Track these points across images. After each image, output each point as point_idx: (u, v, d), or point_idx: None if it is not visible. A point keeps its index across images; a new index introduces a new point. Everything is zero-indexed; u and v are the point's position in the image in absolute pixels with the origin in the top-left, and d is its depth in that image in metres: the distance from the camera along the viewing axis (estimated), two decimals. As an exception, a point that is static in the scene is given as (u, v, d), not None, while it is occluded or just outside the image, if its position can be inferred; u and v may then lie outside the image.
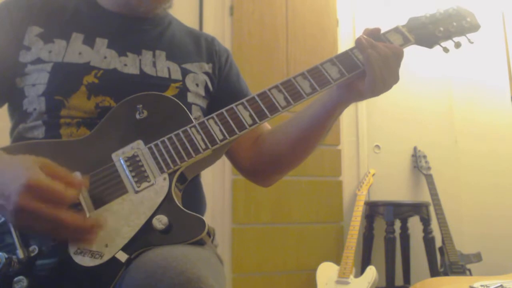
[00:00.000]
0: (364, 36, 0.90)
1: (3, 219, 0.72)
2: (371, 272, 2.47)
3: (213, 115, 0.84)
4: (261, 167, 1.06)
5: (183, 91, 0.97)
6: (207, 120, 0.83)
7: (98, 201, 0.75)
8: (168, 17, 1.09)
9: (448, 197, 3.00)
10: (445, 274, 2.62)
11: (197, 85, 1.00)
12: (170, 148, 0.80)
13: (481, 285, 1.40)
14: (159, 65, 0.97)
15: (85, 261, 0.69)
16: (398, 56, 0.89)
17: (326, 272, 2.57)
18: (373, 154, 3.09)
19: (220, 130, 0.82)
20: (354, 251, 2.56)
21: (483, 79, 3.37)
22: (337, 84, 0.89)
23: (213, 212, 2.53)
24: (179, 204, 0.76)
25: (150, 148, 0.80)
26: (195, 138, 0.81)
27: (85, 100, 0.88)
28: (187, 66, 1.01)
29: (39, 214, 0.65)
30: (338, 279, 2.50)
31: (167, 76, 0.97)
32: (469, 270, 2.67)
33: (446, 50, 0.98)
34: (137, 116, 0.84)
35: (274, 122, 1.08)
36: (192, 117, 0.85)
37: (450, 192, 3.10)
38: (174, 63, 0.99)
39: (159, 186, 0.76)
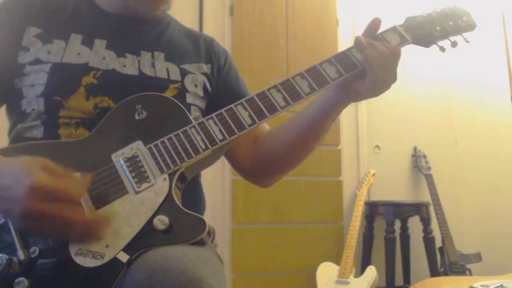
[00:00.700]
0: (362, 37, 0.90)
1: (3, 220, 0.72)
2: (371, 272, 2.47)
3: (213, 115, 0.84)
4: (260, 167, 1.06)
5: (182, 92, 0.97)
6: (207, 120, 0.83)
7: (99, 202, 0.75)
8: (167, 18, 1.09)
9: (448, 197, 3.00)
10: (445, 274, 2.62)
11: (195, 86, 1.00)
12: (170, 148, 0.80)
13: (481, 285, 1.40)
14: (158, 66, 0.97)
15: (86, 262, 0.69)
16: (396, 56, 0.89)
17: (326, 272, 2.57)
18: (373, 154, 3.09)
19: (220, 130, 0.82)
20: (354, 251, 2.56)
21: (483, 79, 3.37)
22: (335, 84, 0.89)
23: (213, 212, 2.53)
24: (179, 205, 0.76)
25: (150, 149, 0.80)
26: (195, 138, 0.81)
27: (84, 100, 0.88)
28: (186, 66, 1.01)
29: (47, 214, 0.65)
30: (338, 279, 2.50)
31: (166, 77, 0.97)
32: (469, 270, 2.67)
33: (442, 49, 0.98)
34: (136, 117, 0.84)
35: (273, 123, 1.09)
36: (191, 117, 0.85)
37: (450, 192, 3.10)
38: (173, 64, 0.99)
39: (159, 186, 0.76)
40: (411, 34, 0.96)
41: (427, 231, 2.80)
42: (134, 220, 0.73)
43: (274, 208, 2.72)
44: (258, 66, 2.76)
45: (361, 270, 2.61)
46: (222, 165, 2.62)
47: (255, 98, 0.86)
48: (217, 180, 2.62)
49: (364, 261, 2.76)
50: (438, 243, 2.78)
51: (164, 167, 0.78)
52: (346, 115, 3.02)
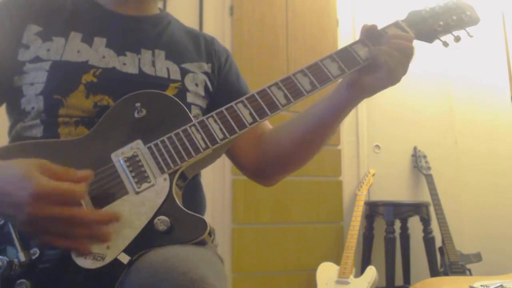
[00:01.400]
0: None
1: (2, 221, 0.72)
2: (371, 272, 2.47)
3: (213, 113, 0.83)
4: (263, 166, 1.05)
5: (182, 91, 0.96)
6: (207, 118, 0.82)
7: (99, 203, 0.74)
8: (168, 17, 1.09)
9: (448, 197, 3.00)
10: (445, 274, 2.62)
11: (196, 85, 1.00)
12: (170, 147, 0.79)
13: (481, 285, 1.40)
14: (158, 64, 0.97)
15: (87, 263, 0.69)
16: (410, 48, 0.89)
17: (326, 272, 2.57)
18: (373, 154, 3.09)
19: (220, 129, 0.82)
20: (354, 251, 2.56)
21: (483, 79, 3.36)
22: (345, 81, 0.89)
23: (213, 212, 2.53)
24: (180, 205, 0.75)
25: (149, 148, 0.79)
26: (195, 137, 0.80)
27: (84, 99, 0.87)
28: (186, 65, 1.00)
29: (55, 218, 0.66)
30: (338, 279, 2.50)
31: (166, 76, 0.96)
32: (469, 270, 2.67)
33: (445, 44, 0.97)
34: (136, 115, 0.83)
35: (273, 121, 1.08)
36: (191, 116, 0.84)
37: (450, 192, 3.10)
38: (173, 63, 0.99)
39: (160, 186, 0.76)
40: (414, 30, 0.95)
41: (427, 231, 2.80)
42: (135, 221, 0.73)
43: (274, 208, 2.72)
44: (258, 66, 2.76)
45: (361, 270, 2.60)
46: (222, 165, 2.62)
47: (256, 96, 0.85)
48: (217, 180, 2.62)
49: (364, 261, 2.76)
50: (438, 243, 2.78)
51: (164, 166, 0.77)
52: (346, 115, 3.02)
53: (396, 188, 3.08)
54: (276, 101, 0.85)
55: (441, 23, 0.95)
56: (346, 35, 3.08)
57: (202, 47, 1.07)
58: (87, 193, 0.72)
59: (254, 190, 2.64)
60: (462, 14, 0.96)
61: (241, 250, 2.62)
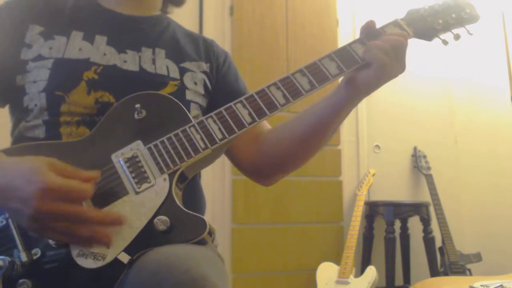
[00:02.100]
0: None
1: (4, 222, 0.72)
2: (371, 272, 2.47)
3: (212, 114, 0.84)
4: (262, 166, 1.05)
5: (181, 89, 0.97)
6: (206, 119, 0.83)
7: (99, 203, 0.74)
8: (167, 19, 1.10)
9: (448, 197, 3.00)
10: (445, 274, 2.62)
11: (195, 83, 1.00)
12: (170, 148, 0.79)
13: (481, 285, 1.40)
14: (158, 62, 0.98)
15: (88, 263, 0.69)
16: (401, 42, 0.87)
17: (326, 272, 2.57)
18: (373, 154, 3.09)
19: (219, 129, 0.82)
20: (354, 251, 2.56)
21: (483, 79, 3.37)
22: (336, 79, 0.88)
23: (213, 212, 2.53)
24: (180, 205, 0.76)
25: (149, 149, 0.80)
26: (194, 137, 0.81)
27: (85, 95, 0.88)
28: (186, 65, 1.01)
29: (60, 214, 0.66)
30: (338, 279, 2.50)
31: (165, 73, 0.97)
32: (469, 270, 2.67)
33: (445, 42, 0.96)
34: (136, 116, 0.84)
35: (272, 121, 1.08)
36: (191, 116, 0.85)
37: (450, 192, 3.10)
38: (173, 62, 1.00)
39: (160, 187, 0.76)
40: (412, 28, 0.94)
41: (427, 231, 2.80)
42: (135, 221, 0.73)
43: (274, 208, 2.72)
44: (258, 66, 2.76)
45: (361, 270, 2.61)
46: (222, 165, 2.62)
47: (255, 95, 0.85)
48: (217, 180, 2.62)
49: (364, 261, 2.76)
50: (438, 243, 2.78)
51: (164, 167, 0.78)
52: (346, 115, 3.02)
53: (396, 188, 3.08)
54: (275, 101, 0.85)
55: (441, 21, 0.95)
56: (346, 35, 3.08)
57: (201, 48, 1.08)
58: (92, 193, 0.72)
59: (254, 190, 2.65)
60: (461, 12, 0.95)
61: (241, 250, 2.63)
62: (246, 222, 2.66)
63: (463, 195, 3.23)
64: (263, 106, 0.84)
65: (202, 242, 0.74)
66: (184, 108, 0.86)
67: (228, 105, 0.85)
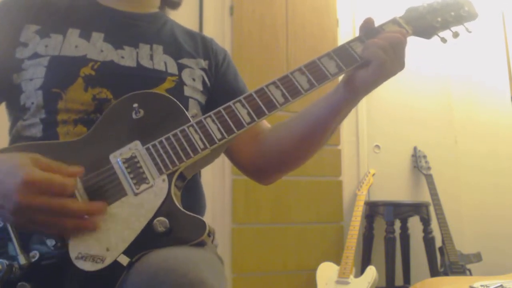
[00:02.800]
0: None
1: (1, 224, 0.72)
2: (371, 272, 2.47)
3: (211, 113, 0.83)
4: (261, 165, 1.05)
5: (179, 85, 0.96)
6: (205, 119, 0.82)
7: None
8: (164, 17, 1.09)
9: (448, 197, 3.00)
10: (445, 274, 2.62)
11: (193, 79, 1.00)
12: (168, 148, 0.79)
13: (481, 285, 1.40)
14: (156, 58, 0.97)
15: (87, 265, 0.69)
16: (400, 39, 0.87)
17: (326, 272, 2.57)
18: (373, 154, 3.09)
19: (218, 129, 0.81)
20: (354, 251, 2.56)
21: (483, 79, 3.37)
22: (335, 78, 0.87)
23: (213, 212, 2.53)
24: (179, 206, 0.75)
25: (148, 149, 0.79)
26: (193, 137, 0.80)
27: (82, 92, 0.88)
28: (184, 61, 1.01)
29: (41, 207, 0.66)
30: (338, 279, 2.50)
31: (163, 69, 0.97)
32: (469, 270, 2.67)
33: (444, 40, 0.96)
34: (134, 116, 0.83)
35: (272, 120, 1.08)
36: (189, 116, 0.84)
37: (450, 192, 3.10)
38: (171, 58, 0.99)
39: (158, 187, 0.76)
40: (411, 26, 0.93)
41: (427, 231, 2.80)
42: (134, 223, 0.72)
43: (274, 208, 2.72)
44: (258, 66, 2.76)
45: (361, 270, 2.60)
46: (222, 165, 2.62)
47: (254, 95, 0.84)
48: (217, 180, 2.62)
49: (364, 261, 2.75)
50: (438, 243, 2.78)
51: (162, 167, 0.77)
52: (346, 115, 3.02)
53: (396, 188, 3.08)
54: (274, 100, 0.84)
55: (439, 19, 0.94)
56: (346, 35, 3.08)
57: (200, 45, 1.07)
58: (77, 188, 0.73)
59: (254, 190, 2.65)
60: (460, 10, 0.95)
61: (241, 250, 2.63)
62: (246, 222, 2.66)
63: (463, 195, 3.23)
64: (262, 106, 0.83)
65: (201, 244, 0.74)
66: (183, 108, 0.85)
67: (227, 104, 0.84)
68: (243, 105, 0.84)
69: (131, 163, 0.78)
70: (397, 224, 2.85)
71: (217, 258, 0.88)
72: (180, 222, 0.73)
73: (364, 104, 3.05)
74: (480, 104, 3.35)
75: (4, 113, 0.98)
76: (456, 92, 3.34)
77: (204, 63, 1.04)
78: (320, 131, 0.96)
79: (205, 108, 1.01)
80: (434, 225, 2.79)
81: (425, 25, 0.95)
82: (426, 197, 2.97)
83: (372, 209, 2.84)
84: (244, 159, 1.06)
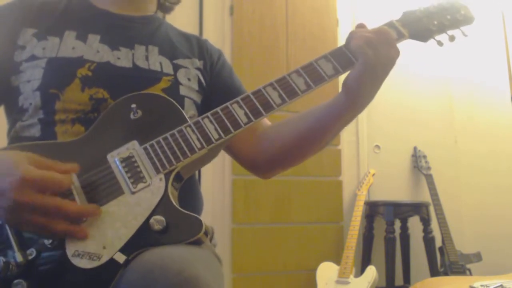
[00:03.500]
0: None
1: None
2: (371, 272, 2.47)
3: (208, 114, 0.84)
4: (261, 161, 1.05)
5: (175, 84, 0.98)
6: (202, 119, 0.83)
7: (95, 203, 0.75)
8: (159, 19, 1.11)
9: (448, 197, 3.00)
10: (445, 274, 2.62)
11: (189, 79, 1.01)
12: (166, 148, 0.80)
13: (481, 285, 1.40)
14: (152, 59, 0.98)
15: (83, 263, 0.69)
16: (383, 34, 0.86)
17: (326, 272, 2.57)
18: (373, 154, 3.09)
19: (216, 129, 0.82)
20: (354, 251, 2.56)
21: (483, 79, 3.37)
22: (331, 80, 0.87)
23: (213, 212, 2.54)
24: (175, 205, 0.76)
25: (145, 149, 0.80)
26: (191, 137, 0.81)
27: (79, 92, 0.89)
28: (179, 61, 1.02)
29: (37, 205, 0.67)
30: (338, 279, 2.50)
31: (159, 69, 0.98)
32: (469, 270, 2.67)
33: (440, 43, 0.96)
34: (132, 116, 0.84)
35: (271, 120, 1.08)
36: (187, 116, 0.85)
37: (450, 192, 3.10)
38: (166, 59, 1.00)
39: (155, 186, 0.76)
40: (408, 29, 0.94)
41: (427, 231, 2.80)
42: (131, 221, 0.73)
43: (274, 208, 2.72)
44: (258, 66, 2.76)
45: (361, 270, 2.61)
46: (222, 165, 2.62)
47: (251, 96, 0.85)
48: (217, 180, 2.62)
49: (364, 261, 2.76)
50: (438, 243, 2.78)
51: (159, 167, 0.78)
52: (346, 115, 3.02)
53: (396, 188, 3.08)
54: (271, 101, 0.85)
55: (436, 22, 0.95)
56: (346, 35, 3.03)
57: (194, 45, 1.09)
58: (74, 186, 0.73)
59: (254, 190, 2.65)
60: (456, 14, 0.96)
61: (241, 250, 2.63)
62: (246, 222, 2.66)
63: (463, 195, 3.23)
64: (259, 106, 0.84)
65: (198, 242, 0.74)
66: (180, 108, 0.86)
67: (224, 105, 0.85)
68: (240, 106, 0.84)
69: (129, 163, 0.78)
70: (397, 224, 2.85)
71: (214, 257, 0.88)
72: (177, 220, 0.73)
73: (364, 104, 3.05)
74: (480, 104, 3.35)
75: (2, 115, 0.98)
76: (456, 92, 3.34)
77: (199, 63, 1.06)
78: (319, 134, 0.97)
79: (201, 108, 1.02)
80: (434, 225, 2.79)
81: (422, 29, 0.95)
82: (426, 197, 2.97)
83: (372, 209, 2.85)
84: (244, 155, 1.07)
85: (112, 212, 0.74)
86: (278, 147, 1.02)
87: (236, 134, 0.83)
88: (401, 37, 0.92)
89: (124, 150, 0.80)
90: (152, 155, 0.79)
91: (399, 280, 2.83)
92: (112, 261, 0.70)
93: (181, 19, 1.15)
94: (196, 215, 0.75)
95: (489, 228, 3.16)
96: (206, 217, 0.80)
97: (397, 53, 0.86)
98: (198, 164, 0.85)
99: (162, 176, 0.77)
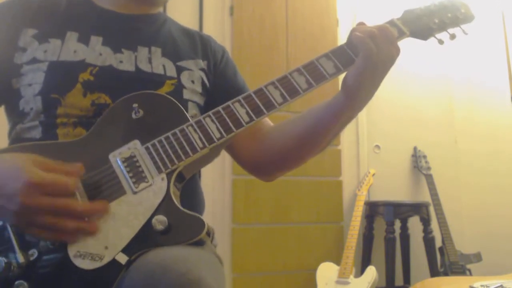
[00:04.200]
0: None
1: (0, 222, 0.72)
2: (371, 272, 2.47)
3: (209, 113, 0.83)
4: (262, 162, 1.05)
5: (178, 88, 0.97)
6: (204, 118, 0.83)
7: None
8: (163, 16, 1.09)
9: (448, 197, 3.00)
10: (445, 274, 2.62)
11: (192, 82, 1.00)
12: (167, 147, 0.79)
13: (481, 285, 1.40)
14: (155, 61, 0.97)
15: (85, 264, 0.69)
16: (384, 30, 0.86)
17: (326, 272, 2.57)
18: (373, 154, 3.09)
19: (217, 128, 0.82)
20: (354, 251, 2.56)
21: (483, 79, 3.37)
22: (333, 78, 0.87)
23: (213, 212, 2.53)
24: (178, 204, 0.75)
25: (147, 148, 0.79)
26: (192, 136, 0.80)
27: (81, 97, 0.88)
28: (182, 63, 1.01)
29: (44, 208, 0.66)
30: (338, 279, 2.50)
31: (162, 72, 0.97)
32: (469, 270, 2.67)
33: (441, 42, 0.96)
34: (133, 116, 0.83)
35: (272, 120, 1.08)
36: (188, 115, 0.85)
37: (450, 192, 3.10)
38: (169, 61, 0.99)
39: (157, 186, 0.76)
40: (408, 27, 0.94)
41: (427, 231, 2.80)
42: (133, 221, 0.73)
43: (274, 208, 2.72)
44: (258, 66, 2.76)
45: (361, 270, 2.60)
46: (222, 165, 2.62)
47: (253, 95, 0.85)
48: (217, 180, 2.62)
49: (364, 261, 2.76)
50: (438, 243, 2.78)
51: (161, 166, 0.78)
52: (346, 115, 3.02)
53: (396, 188, 3.08)
54: (272, 100, 0.85)
55: (436, 20, 0.95)
56: (346, 35, 3.03)
57: (198, 45, 1.08)
58: (77, 187, 0.73)
59: (254, 190, 2.65)
60: (457, 12, 0.96)
61: (241, 250, 2.63)
62: (246, 222, 2.66)
63: (463, 195, 3.23)
64: (261, 105, 0.84)
65: (200, 242, 0.74)
66: (182, 108, 0.86)
67: (226, 104, 0.84)
68: (242, 105, 0.84)
69: (130, 162, 0.78)
70: (397, 224, 2.85)
71: (216, 257, 0.88)
72: (179, 220, 0.73)
73: (364, 104, 3.05)
74: (480, 104, 3.35)
75: (3, 116, 0.98)
76: (456, 92, 3.34)
77: (203, 64, 1.05)
78: (319, 133, 0.96)
79: (204, 109, 1.02)
80: (434, 225, 2.79)
81: (422, 27, 0.95)
82: (426, 197, 2.97)
83: (372, 209, 2.84)
84: (245, 156, 1.07)
85: (114, 212, 0.74)
86: (279, 148, 1.01)
87: (238, 133, 0.82)
88: (402, 35, 0.92)
89: (126, 150, 0.79)
90: (154, 154, 0.79)
91: (399, 280, 2.83)
92: (114, 261, 0.69)
93: (181, 19, 1.14)
94: (198, 215, 0.75)
95: (489, 228, 3.16)
96: (206, 217, 0.79)
97: (397, 51, 0.87)
98: (200, 163, 0.85)
99: (164, 175, 0.77)
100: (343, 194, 2.93)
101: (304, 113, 0.99)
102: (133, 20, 1.01)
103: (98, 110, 0.87)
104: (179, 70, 0.99)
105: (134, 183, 0.76)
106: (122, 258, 0.69)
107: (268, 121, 1.07)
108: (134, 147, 0.80)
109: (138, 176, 0.77)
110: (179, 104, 0.86)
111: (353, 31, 0.88)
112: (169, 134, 0.81)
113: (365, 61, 0.84)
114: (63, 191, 0.69)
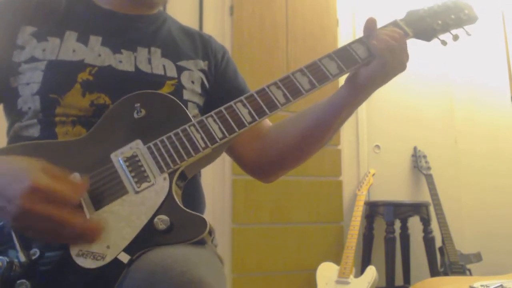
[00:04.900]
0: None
1: (2, 222, 0.72)
2: (371, 272, 2.47)
3: (212, 113, 0.83)
4: (263, 162, 1.05)
5: (178, 88, 0.96)
6: (206, 118, 0.82)
7: (98, 203, 0.74)
8: (163, 15, 1.09)
9: (448, 197, 3.00)
10: (445, 274, 2.62)
11: (192, 82, 1.00)
12: (170, 147, 0.79)
13: (481, 285, 1.40)
14: (155, 62, 0.97)
15: (87, 263, 0.68)
16: (401, 39, 0.90)
17: (326, 272, 2.58)
18: (373, 154, 3.09)
19: (220, 128, 0.82)
20: (354, 251, 2.56)
21: (483, 79, 3.37)
22: (336, 79, 0.88)
23: (213, 212, 2.53)
24: (180, 204, 0.75)
25: (149, 148, 0.79)
26: (195, 137, 0.80)
27: (80, 97, 0.87)
28: (183, 63, 1.00)
29: (43, 215, 0.65)
30: (338, 279, 2.50)
31: (162, 73, 0.96)
32: (469, 270, 2.67)
33: (444, 43, 0.97)
34: (135, 115, 0.83)
35: (273, 120, 1.08)
36: (190, 115, 0.84)
37: (450, 192, 3.10)
38: (169, 61, 0.98)
39: (160, 186, 0.76)
40: (412, 28, 0.95)
41: (427, 231, 2.80)
42: (135, 220, 0.73)
43: (274, 208, 2.72)
44: (258, 66, 2.76)
45: (361, 270, 2.61)
46: (222, 165, 2.62)
47: (255, 95, 0.85)
48: (217, 180, 2.62)
49: (364, 261, 2.76)
50: (438, 243, 2.78)
51: (164, 166, 0.77)
52: (346, 115, 3.03)
53: (396, 188, 3.08)
54: (275, 100, 0.85)
55: (440, 22, 0.96)
56: (346, 35, 3.08)
57: (199, 45, 1.07)
58: (81, 198, 0.72)
59: (254, 190, 2.65)
60: (460, 13, 0.97)
61: (241, 250, 2.63)
62: (246, 222, 2.66)
63: (463, 195, 3.23)
64: (263, 105, 0.84)
65: (202, 242, 0.74)
66: (184, 107, 0.85)
67: (228, 104, 0.84)
68: (244, 105, 0.84)
69: (132, 162, 0.78)
70: (397, 224, 2.85)
71: (216, 257, 0.88)
72: (181, 219, 0.73)
73: (364, 104, 3.01)
74: (480, 104, 3.36)
75: (2, 115, 0.97)
76: (456, 92, 3.35)
77: (203, 64, 1.04)
78: (320, 130, 0.97)
79: (204, 109, 1.01)
80: (434, 225, 2.80)
81: (426, 28, 0.96)
82: (426, 197, 2.97)
83: (372, 209, 2.85)
84: (245, 157, 1.07)
85: (116, 212, 0.73)
86: (281, 147, 1.01)
87: (240, 133, 0.82)
88: (405, 36, 0.93)
89: (128, 149, 0.79)
90: (156, 154, 0.78)
91: (399, 280, 2.83)
92: (116, 261, 0.69)
93: (181, 19, 1.14)
94: (200, 214, 0.75)
95: (489, 228, 3.17)
96: (206, 217, 0.79)
97: (408, 58, 0.90)
98: (202, 163, 0.85)
99: (166, 175, 0.77)
100: (343, 194, 2.94)
101: (305, 111, 0.99)
102: (132, 20, 1.01)
103: (97, 110, 0.87)
104: (180, 70, 0.99)
105: (136, 182, 0.76)
106: (124, 257, 0.69)
107: (267, 120, 1.07)
108: (136, 146, 0.79)
109: (140, 175, 0.76)
110: (181, 104, 0.86)
111: (371, 35, 0.90)
112: (171, 134, 0.80)
113: (381, 68, 0.87)
114: (64, 201, 0.67)
